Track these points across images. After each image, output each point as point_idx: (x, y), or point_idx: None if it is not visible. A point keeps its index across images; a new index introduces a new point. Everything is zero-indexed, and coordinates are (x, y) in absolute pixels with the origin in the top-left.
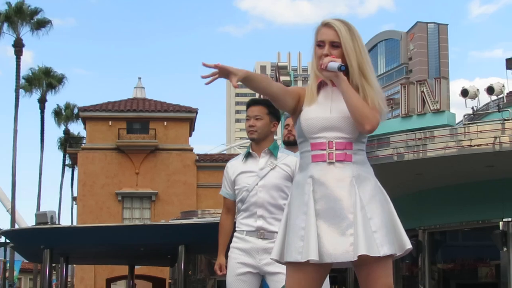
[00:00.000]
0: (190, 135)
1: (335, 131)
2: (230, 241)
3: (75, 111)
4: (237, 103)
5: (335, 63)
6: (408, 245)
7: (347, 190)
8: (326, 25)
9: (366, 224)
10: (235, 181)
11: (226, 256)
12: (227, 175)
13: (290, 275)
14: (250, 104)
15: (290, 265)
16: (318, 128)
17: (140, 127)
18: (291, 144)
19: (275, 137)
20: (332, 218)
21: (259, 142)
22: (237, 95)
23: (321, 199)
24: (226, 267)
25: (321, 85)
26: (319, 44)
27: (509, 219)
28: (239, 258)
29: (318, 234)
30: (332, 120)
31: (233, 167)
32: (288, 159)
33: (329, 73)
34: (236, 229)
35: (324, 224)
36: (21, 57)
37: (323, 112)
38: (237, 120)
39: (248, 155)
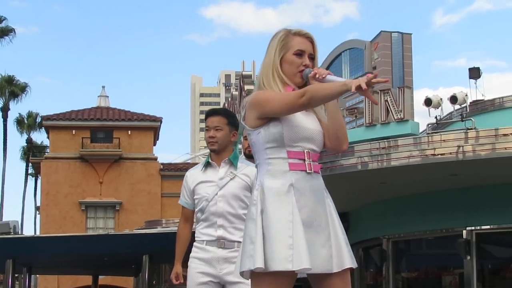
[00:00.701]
0: (155, 144)
1: (311, 143)
2: (188, 251)
3: (38, 120)
4: (202, 112)
5: (336, 78)
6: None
7: (322, 201)
8: (305, 36)
9: (342, 237)
10: (194, 191)
11: (183, 266)
12: (186, 185)
13: (267, 284)
14: (209, 114)
15: (273, 274)
16: (300, 137)
17: (104, 136)
18: (251, 157)
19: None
20: (313, 229)
21: (219, 153)
22: (202, 104)
23: (304, 208)
24: (184, 276)
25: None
26: (298, 53)
27: (473, 228)
28: (200, 267)
29: (300, 243)
30: (312, 132)
31: (193, 176)
32: (247, 169)
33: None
34: (196, 238)
35: (307, 234)
36: None
37: (306, 122)
38: (202, 129)
39: (207, 165)
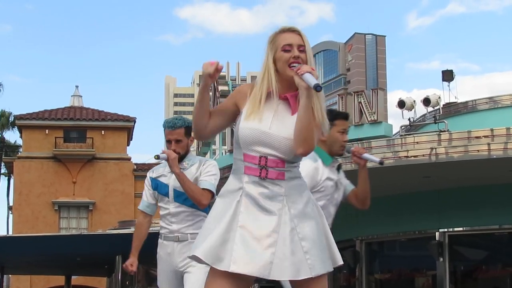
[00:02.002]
0: (128, 144)
1: (270, 148)
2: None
3: (11, 119)
4: (175, 112)
5: (313, 78)
6: (340, 261)
7: (276, 209)
8: (290, 30)
9: (297, 246)
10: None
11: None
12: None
13: (212, 278)
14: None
15: (211, 271)
16: (253, 140)
17: (77, 135)
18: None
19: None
20: (255, 233)
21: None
22: (175, 104)
23: (247, 212)
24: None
25: (268, 95)
26: (286, 49)
27: (445, 230)
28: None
29: (237, 244)
30: (270, 137)
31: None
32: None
33: (301, 80)
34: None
35: (246, 237)
36: None
37: (263, 125)
38: None
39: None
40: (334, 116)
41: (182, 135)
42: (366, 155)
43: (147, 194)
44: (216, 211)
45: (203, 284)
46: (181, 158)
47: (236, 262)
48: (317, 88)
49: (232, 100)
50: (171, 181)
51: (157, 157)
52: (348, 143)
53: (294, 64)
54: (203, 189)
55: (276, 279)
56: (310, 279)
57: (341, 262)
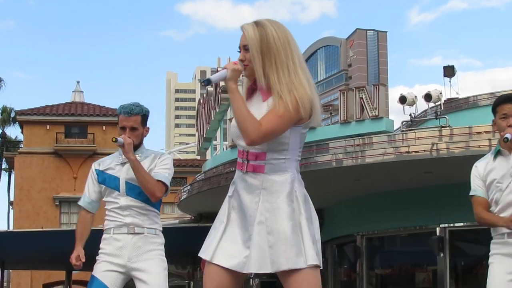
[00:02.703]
0: None
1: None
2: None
3: (13, 114)
4: (177, 108)
5: (216, 76)
6: (311, 261)
7: (254, 202)
8: (242, 28)
9: (263, 239)
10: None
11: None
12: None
13: (204, 273)
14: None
15: (206, 265)
16: (236, 136)
17: (78, 131)
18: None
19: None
20: (239, 228)
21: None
22: (177, 100)
23: (234, 208)
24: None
25: (250, 90)
26: (239, 50)
27: (446, 225)
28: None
29: (223, 239)
30: None
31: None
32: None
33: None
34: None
35: (233, 232)
36: None
37: None
38: (177, 125)
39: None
40: (495, 104)
41: (138, 123)
42: (213, 76)
43: (90, 189)
44: (221, 208)
45: (165, 283)
46: (134, 149)
47: (219, 255)
48: (203, 82)
49: None
50: (122, 173)
51: (115, 139)
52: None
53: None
54: (157, 180)
55: (249, 272)
56: (288, 273)
57: (312, 263)
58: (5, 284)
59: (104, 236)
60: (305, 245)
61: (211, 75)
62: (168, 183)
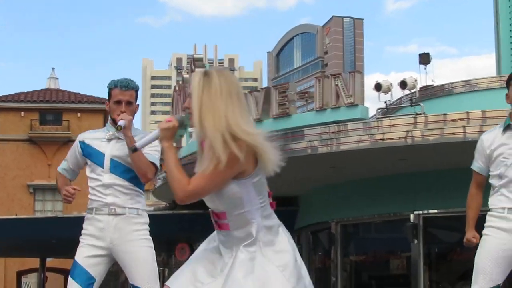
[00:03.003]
0: (104, 126)
1: (208, 201)
2: None
3: None
4: (152, 95)
5: (143, 141)
6: None
7: (227, 255)
8: None
9: None
10: None
11: None
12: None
13: None
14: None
15: None
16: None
17: (53, 118)
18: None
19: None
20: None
21: None
22: (153, 87)
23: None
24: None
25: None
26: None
27: (420, 212)
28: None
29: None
30: None
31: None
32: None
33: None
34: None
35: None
36: None
37: None
38: (153, 112)
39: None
40: (509, 78)
41: (134, 97)
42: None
43: (70, 159)
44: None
45: (154, 264)
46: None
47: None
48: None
49: None
50: (108, 150)
51: (120, 128)
52: None
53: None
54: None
55: None
56: None
57: None
58: None
59: (87, 215)
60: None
61: (185, 69)
62: (158, 164)
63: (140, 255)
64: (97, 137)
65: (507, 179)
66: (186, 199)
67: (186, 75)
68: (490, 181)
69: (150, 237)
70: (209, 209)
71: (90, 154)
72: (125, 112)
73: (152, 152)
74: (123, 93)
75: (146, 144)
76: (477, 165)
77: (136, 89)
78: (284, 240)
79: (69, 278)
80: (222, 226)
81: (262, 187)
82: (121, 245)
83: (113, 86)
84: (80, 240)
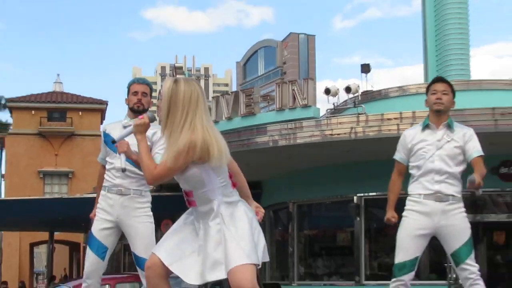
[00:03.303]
0: (101, 123)
1: (179, 183)
2: None
3: (3, 101)
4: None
5: (121, 135)
6: (219, 275)
7: (203, 226)
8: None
9: (212, 253)
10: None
11: None
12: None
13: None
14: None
15: None
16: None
17: (59, 116)
18: (138, 112)
19: None
20: (208, 251)
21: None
22: None
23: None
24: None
25: None
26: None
27: (362, 195)
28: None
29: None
30: None
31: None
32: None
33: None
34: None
35: (206, 258)
36: None
37: None
38: None
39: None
40: (428, 84)
41: (148, 91)
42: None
43: (102, 148)
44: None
45: (152, 237)
46: (141, 112)
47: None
48: (112, 142)
49: None
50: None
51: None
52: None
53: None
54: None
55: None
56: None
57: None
58: None
59: (102, 192)
60: (228, 256)
61: (168, 75)
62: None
63: (141, 229)
64: (115, 127)
65: (424, 170)
66: (152, 181)
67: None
68: (410, 171)
69: (151, 213)
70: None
71: (108, 142)
72: (142, 100)
73: (161, 152)
74: (140, 86)
75: (123, 137)
76: (399, 156)
77: (150, 85)
78: (242, 212)
79: (87, 248)
80: (191, 203)
81: (221, 170)
82: (126, 220)
83: (131, 82)
84: (96, 213)
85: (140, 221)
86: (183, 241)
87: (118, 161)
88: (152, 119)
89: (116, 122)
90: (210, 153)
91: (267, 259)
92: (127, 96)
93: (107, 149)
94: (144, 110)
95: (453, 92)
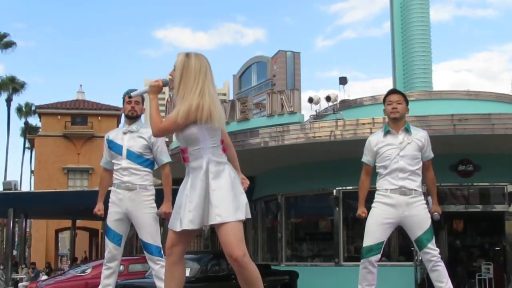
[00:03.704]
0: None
1: (178, 140)
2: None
3: (33, 108)
4: None
5: (137, 92)
6: (211, 221)
7: (198, 180)
8: None
9: (209, 204)
10: (110, 149)
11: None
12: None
13: (171, 234)
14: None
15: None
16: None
17: (81, 120)
18: (132, 118)
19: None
20: (194, 200)
21: (134, 119)
22: None
23: (190, 187)
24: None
25: None
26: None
27: (340, 188)
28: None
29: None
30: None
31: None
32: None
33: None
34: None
35: (190, 204)
36: None
37: None
38: None
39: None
40: (384, 96)
41: (140, 99)
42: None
43: (105, 153)
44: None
45: (156, 225)
46: (137, 117)
47: (181, 225)
48: (127, 93)
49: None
50: (124, 142)
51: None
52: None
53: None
54: (166, 163)
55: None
56: (221, 225)
57: (213, 222)
58: (27, 230)
59: (112, 188)
60: (210, 210)
61: (169, 91)
62: (170, 159)
63: (146, 219)
64: (117, 134)
65: (390, 169)
66: (158, 132)
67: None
68: (377, 170)
69: (155, 205)
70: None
71: (113, 147)
72: (135, 108)
73: (164, 153)
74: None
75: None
76: (366, 158)
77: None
78: (226, 171)
79: (105, 238)
80: (185, 159)
81: (214, 133)
82: (133, 212)
83: (125, 93)
84: (109, 206)
85: (145, 212)
86: (187, 202)
87: (123, 162)
88: (166, 84)
89: (117, 129)
90: (212, 116)
91: (249, 215)
92: (123, 105)
93: (112, 153)
94: (138, 116)
95: (406, 101)
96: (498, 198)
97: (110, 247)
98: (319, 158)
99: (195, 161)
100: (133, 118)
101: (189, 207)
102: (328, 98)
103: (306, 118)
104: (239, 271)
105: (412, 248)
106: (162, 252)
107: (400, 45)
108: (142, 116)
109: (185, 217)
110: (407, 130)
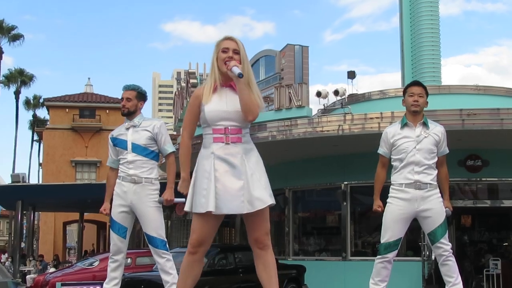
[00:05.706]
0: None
1: (230, 120)
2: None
3: (41, 101)
4: (160, 98)
5: (237, 69)
6: (271, 201)
7: (239, 162)
8: (229, 38)
9: (257, 184)
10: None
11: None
12: (111, 144)
13: (195, 221)
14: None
15: (196, 214)
16: (218, 118)
17: (89, 113)
18: (126, 115)
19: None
20: (228, 182)
21: (131, 115)
22: (160, 92)
23: (219, 168)
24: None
25: (215, 88)
26: (224, 50)
27: (348, 183)
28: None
29: (216, 193)
30: (228, 113)
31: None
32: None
33: (231, 73)
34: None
35: (222, 186)
36: (1, 61)
37: (221, 106)
38: (160, 110)
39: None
40: (405, 87)
41: (133, 95)
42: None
43: (111, 152)
44: (198, 173)
45: (161, 219)
46: (131, 113)
47: (220, 206)
48: (239, 75)
49: (197, 103)
50: (129, 136)
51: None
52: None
53: (227, 62)
54: (170, 153)
55: (248, 212)
56: (259, 210)
57: (272, 202)
58: (36, 222)
59: (117, 181)
60: (252, 194)
61: (183, 80)
62: (174, 149)
63: (150, 213)
64: (120, 131)
65: (406, 162)
66: (257, 116)
67: (183, 84)
68: (393, 163)
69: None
70: (222, 127)
71: (118, 143)
72: (125, 105)
73: (167, 143)
74: (124, 92)
75: (237, 71)
76: (382, 150)
77: (135, 89)
78: (256, 153)
79: (110, 230)
80: (238, 139)
81: None
82: (138, 205)
83: (122, 89)
84: (113, 198)
85: (150, 206)
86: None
87: (129, 155)
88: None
89: (119, 127)
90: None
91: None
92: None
93: (117, 150)
94: (129, 113)
95: (427, 94)
96: (507, 193)
97: (115, 240)
98: (327, 152)
99: (246, 144)
100: (126, 115)
101: (231, 191)
102: (336, 92)
103: (314, 112)
104: (266, 258)
105: (420, 243)
106: (167, 245)
107: (409, 39)
108: (142, 110)
109: (228, 202)
110: (425, 124)
